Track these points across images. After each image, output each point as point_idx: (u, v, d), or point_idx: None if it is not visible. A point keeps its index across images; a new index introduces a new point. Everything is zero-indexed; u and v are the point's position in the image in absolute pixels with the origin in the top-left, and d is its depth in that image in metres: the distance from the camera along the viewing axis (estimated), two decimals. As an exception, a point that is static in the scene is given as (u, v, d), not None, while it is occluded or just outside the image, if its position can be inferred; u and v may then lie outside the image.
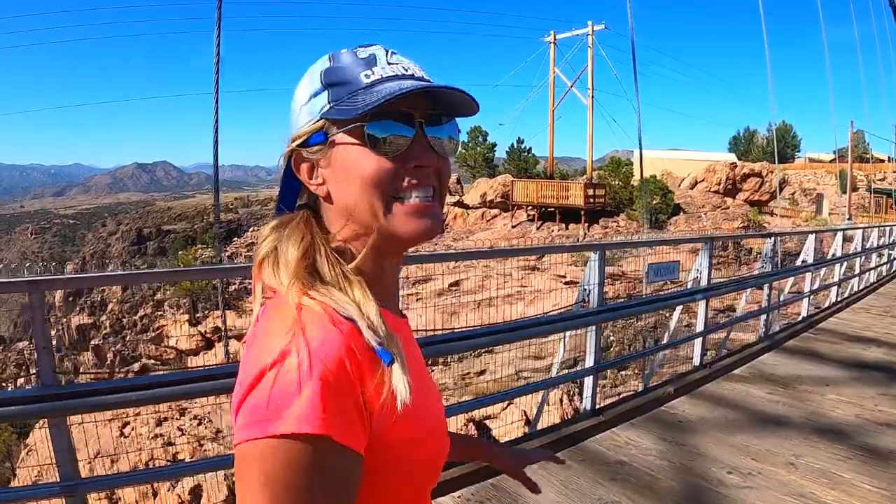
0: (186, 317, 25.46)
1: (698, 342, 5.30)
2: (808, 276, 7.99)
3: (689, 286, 5.30)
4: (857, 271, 10.43)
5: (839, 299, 9.34)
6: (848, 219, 25.67)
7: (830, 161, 45.75)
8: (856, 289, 10.37)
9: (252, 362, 0.59)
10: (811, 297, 8.21)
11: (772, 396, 4.90)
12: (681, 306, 5.38)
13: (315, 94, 0.69)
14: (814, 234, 7.98)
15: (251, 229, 51.59)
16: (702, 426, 4.30)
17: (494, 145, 30.00)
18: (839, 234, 9.23)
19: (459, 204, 25.18)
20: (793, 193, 41.42)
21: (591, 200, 22.19)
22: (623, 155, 51.36)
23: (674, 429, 4.25)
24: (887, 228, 13.15)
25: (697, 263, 5.31)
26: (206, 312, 25.52)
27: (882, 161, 45.81)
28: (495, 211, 24.42)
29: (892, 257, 13.20)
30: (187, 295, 25.40)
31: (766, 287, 6.74)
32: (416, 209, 0.68)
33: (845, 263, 10.30)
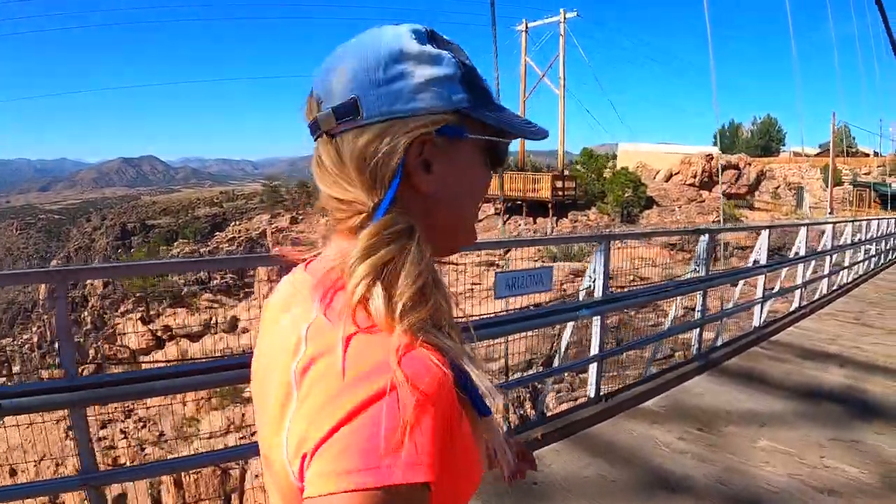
0: (139, 314, 24.21)
1: (593, 368, 4.01)
2: (762, 278, 6.73)
3: (580, 298, 4.02)
4: (826, 271, 9.18)
5: (803, 304, 8.09)
6: (829, 213, 24.50)
7: (816, 155, 44.76)
8: (824, 291, 9.13)
9: (342, 392, 0.48)
10: (765, 303, 6.94)
11: (680, 443, 3.63)
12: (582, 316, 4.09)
13: (450, 79, 0.59)
14: (767, 231, 6.72)
15: (233, 223, 50.31)
16: (562, 491, 3.03)
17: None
18: (803, 230, 7.96)
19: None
20: (777, 187, 40.39)
21: (560, 193, 20.91)
22: (608, 149, 50.14)
23: (521, 495, 2.98)
24: (863, 223, 11.92)
25: (591, 270, 4.02)
26: (160, 310, 24.27)
27: (867, 155, 44.77)
28: (462, 204, 23.02)
29: (869, 254, 11.98)
30: (139, 292, 24.09)
31: (699, 295, 5.48)
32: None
33: (813, 262, 9.06)
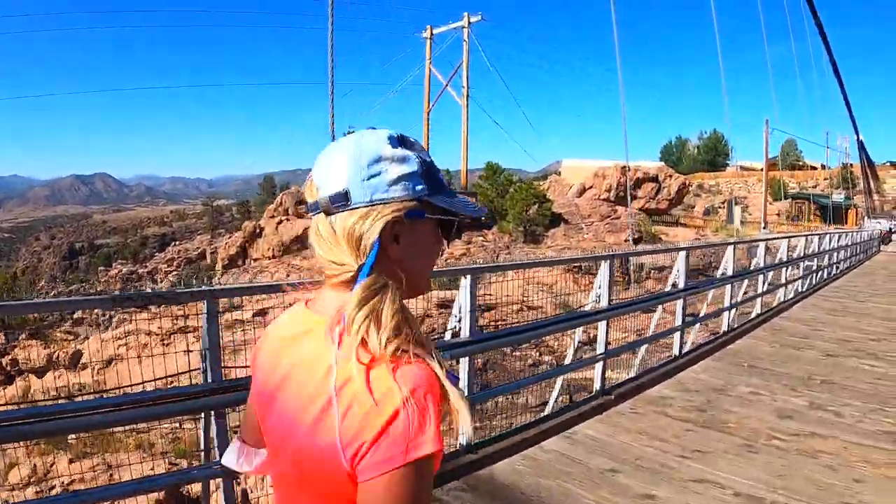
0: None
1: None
2: (465, 363, 3.21)
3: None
4: (679, 320, 5.67)
5: (611, 386, 4.57)
6: (763, 227, 21.19)
7: (762, 169, 41.84)
8: (677, 352, 5.62)
9: (375, 409, 0.68)
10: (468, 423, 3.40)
11: None
12: None
13: (414, 175, 0.76)
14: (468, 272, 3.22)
15: (172, 244, 46.60)
16: None
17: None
18: (603, 266, 4.46)
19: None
20: (724, 202, 37.36)
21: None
22: (556, 167, 46.90)
23: None
24: (760, 244, 8.46)
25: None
26: (14, 342, 20.43)
27: (815, 168, 41.83)
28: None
29: (769, 282, 8.52)
30: None
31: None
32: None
33: (659, 310, 5.59)
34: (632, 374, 5.04)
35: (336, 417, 0.68)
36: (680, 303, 5.52)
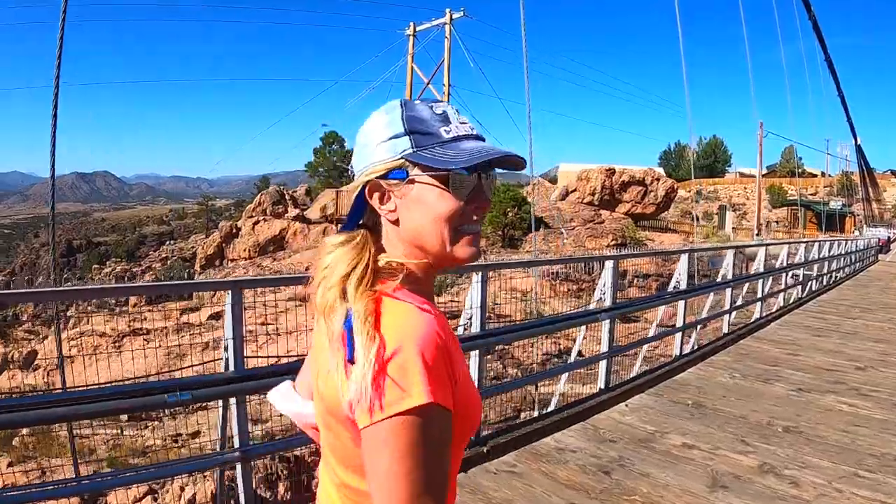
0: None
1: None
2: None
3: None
4: (605, 347, 4.49)
5: (536, 416, 3.42)
6: (756, 234, 19.85)
7: (763, 175, 40.31)
8: (608, 381, 4.44)
9: (368, 356, 0.66)
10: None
11: None
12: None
13: (397, 136, 0.73)
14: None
15: (167, 243, 45.91)
16: None
17: (350, 152, 23.95)
18: (475, 279, 3.34)
19: (300, 219, 19.14)
20: (721, 207, 36.07)
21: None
22: (554, 172, 45.66)
23: None
24: (727, 253, 7.22)
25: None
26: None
27: (815, 176, 40.20)
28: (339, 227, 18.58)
29: (744, 296, 7.32)
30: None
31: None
32: (471, 240, 0.75)
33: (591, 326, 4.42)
34: (535, 414, 3.90)
35: (341, 364, 0.69)
36: (606, 325, 4.36)
